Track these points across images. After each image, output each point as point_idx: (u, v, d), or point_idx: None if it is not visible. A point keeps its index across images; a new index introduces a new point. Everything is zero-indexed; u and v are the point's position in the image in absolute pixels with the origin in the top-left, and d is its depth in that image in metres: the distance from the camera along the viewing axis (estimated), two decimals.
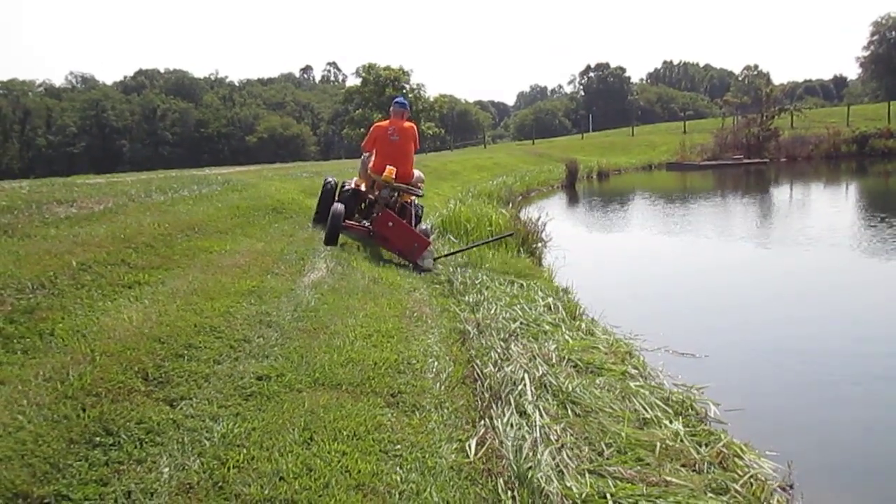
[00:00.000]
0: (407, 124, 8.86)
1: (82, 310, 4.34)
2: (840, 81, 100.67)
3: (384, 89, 42.12)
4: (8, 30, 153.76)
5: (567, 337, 5.75)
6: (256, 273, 5.89)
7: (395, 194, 8.55)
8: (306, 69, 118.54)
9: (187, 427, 3.18)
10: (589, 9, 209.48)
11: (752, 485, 3.52)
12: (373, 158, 8.65)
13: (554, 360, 5.03)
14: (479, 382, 4.42)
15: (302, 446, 3.14)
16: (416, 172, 8.93)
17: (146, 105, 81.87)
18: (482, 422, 3.82)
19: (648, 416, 4.21)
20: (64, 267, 4.91)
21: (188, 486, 2.75)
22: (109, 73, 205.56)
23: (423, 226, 8.90)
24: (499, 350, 5.01)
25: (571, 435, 3.82)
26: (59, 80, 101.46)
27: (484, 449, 3.48)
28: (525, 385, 4.34)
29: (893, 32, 67.53)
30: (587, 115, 78.34)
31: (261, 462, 2.97)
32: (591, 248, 13.47)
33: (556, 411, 4.12)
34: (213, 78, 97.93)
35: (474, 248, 9.13)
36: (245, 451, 3.03)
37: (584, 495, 3.19)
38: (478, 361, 4.75)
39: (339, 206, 8.05)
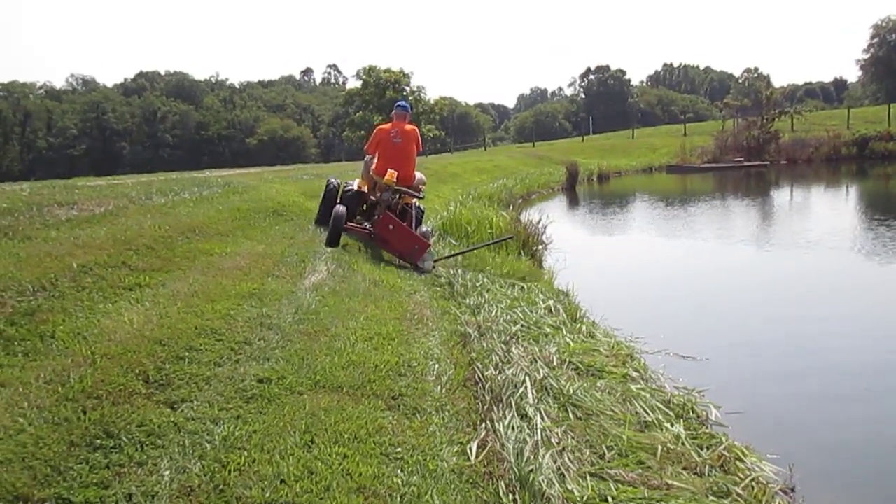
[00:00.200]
0: (409, 127, 8.92)
1: (83, 312, 4.34)
2: (840, 84, 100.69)
3: (385, 92, 42.15)
4: (8, 32, 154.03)
5: (568, 340, 5.75)
6: (257, 275, 5.88)
7: (397, 196, 8.60)
8: (307, 71, 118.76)
9: (188, 430, 3.18)
10: (589, 11, 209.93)
11: (753, 488, 3.52)
12: (375, 161, 8.71)
13: (555, 363, 5.03)
14: (480, 385, 4.42)
15: (303, 449, 3.14)
16: (418, 174, 8.98)
17: (146, 107, 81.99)
18: (483, 425, 3.81)
19: (649, 419, 4.20)
20: (65, 269, 4.91)
21: (189, 489, 2.75)
22: (110, 75, 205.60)
23: (423, 228, 8.92)
24: (500, 353, 5.00)
25: (572, 438, 3.81)
26: (59, 83, 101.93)
27: (485, 452, 3.48)
28: (526, 388, 4.33)
29: (894, 35, 67.54)
30: (587, 118, 78.30)
31: (262, 465, 2.96)
32: (592, 251, 13.46)
33: (557, 414, 4.12)
34: (213, 80, 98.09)
35: (475, 251, 9.16)
36: (246, 453, 3.03)
37: (585, 499, 3.19)
38: (479, 364, 4.75)
39: (340, 208, 8.11)
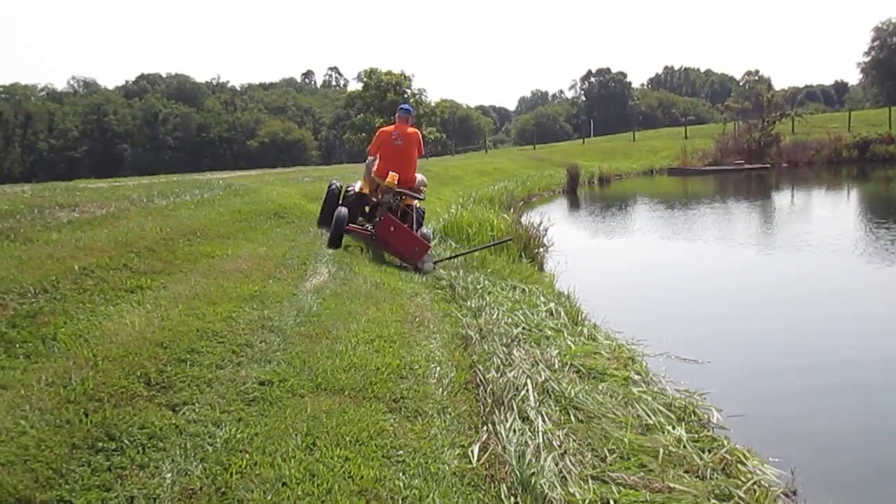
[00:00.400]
0: (411, 130, 9.02)
1: (84, 314, 4.34)
2: (841, 87, 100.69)
3: (385, 94, 42.16)
4: (10, 34, 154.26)
5: (569, 342, 5.75)
6: (258, 278, 5.89)
7: (398, 198, 8.69)
8: (308, 74, 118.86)
9: (190, 432, 3.18)
10: (590, 14, 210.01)
11: (755, 491, 3.51)
12: (377, 162, 8.81)
13: (556, 366, 5.03)
14: (482, 388, 4.42)
15: (304, 452, 3.14)
16: (419, 176, 9.09)
17: (148, 109, 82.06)
18: (485, 427, 3.81)
19: (651, 422, 4.20)
20: (66, 271, 4.91)
21: (191, 492, 2.75)
22: (111, 77, 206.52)
23: (424, 230, 8.99)
24: (501, 355, 5.00)
25: (574, 441, 3.81)
26: (60, 85, 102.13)
27: (487, 455, 3.47)
28: (527, 390, 4.33)
29: (894, 38, 67.57)
30: (588, 120, 78.45)
31: (263, 467, 2.96)
32: (593, 254, 13.46)
33: (558, 417, 4.12)
34: (214, 82, 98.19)
35: (475, 254, 9.19)
36: (248, 456, 3.03)
37: (587, 502, 3.18)
38: (480, 367, 4.75)
39: (342, 210, 8.24)
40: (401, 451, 3.31)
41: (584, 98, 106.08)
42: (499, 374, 4.59)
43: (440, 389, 4.20)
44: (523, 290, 7.73)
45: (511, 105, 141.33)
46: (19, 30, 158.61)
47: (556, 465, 3.46)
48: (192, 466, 2.91)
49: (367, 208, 9.16)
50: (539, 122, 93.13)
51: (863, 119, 39.11)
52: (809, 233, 13.52)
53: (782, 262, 11.03)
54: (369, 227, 8.64)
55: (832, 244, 11.74)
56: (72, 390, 3.30)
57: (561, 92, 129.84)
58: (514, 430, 3.78)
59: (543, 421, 3.96)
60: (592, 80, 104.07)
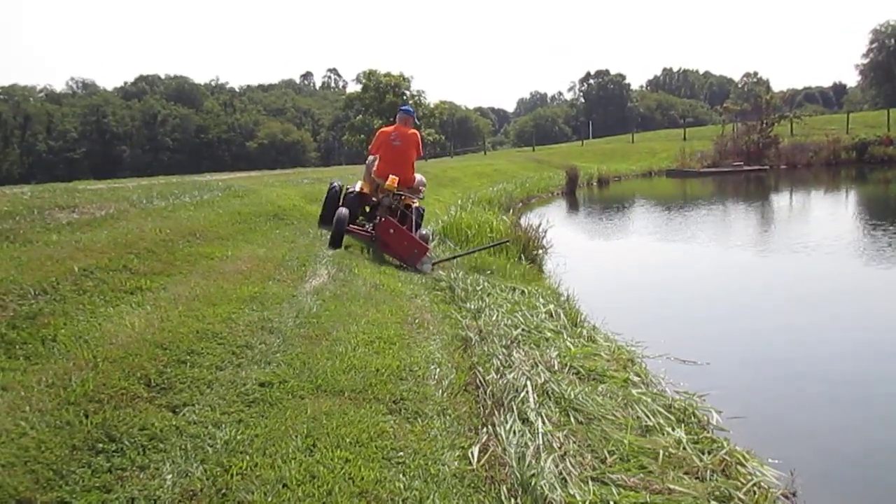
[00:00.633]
0: (410, 131, 9.15)
1: (84, 316, 4.34)
2: (839, 89, 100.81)
3: (384, 96, 42.12)
4: (9, 35, 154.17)
5: (569, 344, 5.75)
6: (258, 279, 5.89)
7: (398, 199, 8.84)
8: (307, 75, 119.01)
9: (190, 434, 3.18)
10: (589, 16, 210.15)
11: (755, 493, 3.51)
12: (377, 163, 8.93)
13: (556, 367, 5.04)
14: (482, 389, 4.42)
15: (305, 453, 3.14)
16: (418, 176, 9.26)
17: (147, 111, 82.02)
18: (485, 429, 3.81)
19: (651, 424, 4.20)
20: (66, 273, 4.91)
21: (191, 493, 2.75)
22: (110, 78, 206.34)
23: (423, 231, 9.09)
24: (501, 357, 5.00)
25: (574, 442, 3.81)
26: (59, 86, 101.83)
27: (487, 456, 3.48)
28: (527, 392, 4.33)
29: (892, 40, 67.66)
30: (587, 122, 78.49)
31: (264, 469, 2.96)
32: (592, 255, 13.47)
33: (558, 418, 4.12)
34: (213, 84, 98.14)
35: (474, 256, 9.23)
36: (248, 457, 3.03)
37: (587, 503, 3.19)
38: (480, 368, 4.75)
39: (343, 211, 8.40)
40: (401, 453, 3.31)
41: (582, 100, 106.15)
42: (498, 376, 4.59)
43: (440, 391, 4.20)
44: (523, 291, 7.74)
45: (510, 107, 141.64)
46: (18, 31, 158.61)
47: (557, 466, 3.46)
48: (192, 468, 2.91)
49: (367, 208, 9.30)
50: (538, 124, 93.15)
51: (861, 121, 39.19)
52: (808, 234, 13.54)
53: (781, 263, 11.05)
54: (369, 227, 8.77)
55: (831, 246, 11.76)
56: (72, 392, 3.30)
57: (560, 93, 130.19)
58: (514, 432, 3.78)
59: (543, 422, 3.96)
60: (591, 81, 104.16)
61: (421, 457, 3.32)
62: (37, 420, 3.03)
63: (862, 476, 4.32)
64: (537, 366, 4.94)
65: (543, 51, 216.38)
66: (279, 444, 3.18)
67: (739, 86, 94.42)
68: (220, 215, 8.36)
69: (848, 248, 11.71)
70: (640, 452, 3.79)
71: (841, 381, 5.75)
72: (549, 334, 6.00)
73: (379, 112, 41.39)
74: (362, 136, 41.13)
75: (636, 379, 5.10)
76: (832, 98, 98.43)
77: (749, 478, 3.68)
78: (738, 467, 3.80)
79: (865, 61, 69.89)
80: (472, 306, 6.57)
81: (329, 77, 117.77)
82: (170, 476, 2.83)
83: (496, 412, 4.05)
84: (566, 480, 3.35)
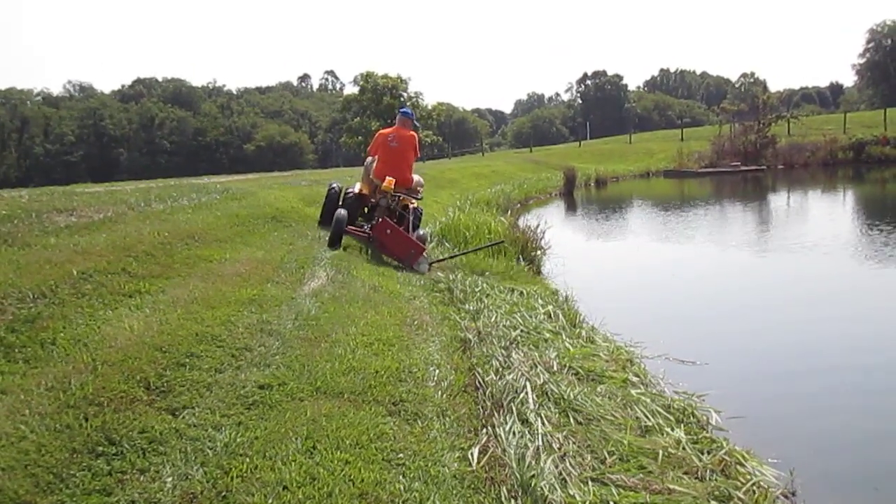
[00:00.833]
0: (408, 133, 9.28)
1: (83, 319, 4.34)
2: (836, 89, 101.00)
3: (382, 97, 42.11)
4: (5, 39, 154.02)
5: (568, 345, 5.76)
6: (257, 281, 5.89)
7: (395, 200, 8.97)
8: (304, 77, 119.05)
9: (190, 436, 3.18)
10: (586, 17, 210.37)
11: (754, 492, 3.52)
12: (375, 164, 9.09)
13: (555, 368, 5.04)
14: (481, 390, 4.42)
15: (305, 455, 3.14)
16: (416, 177, 9.40)
17: (144, 114, 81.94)
18: (484, 430, 3.82)
19: (650, 424, 4.21)
20: (64, 276, 4.91)
21: (192, 496, 2.75)
22: (107, 81, 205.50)
23: (420, 231, 9.17)
24: (500, 358, 5.00)
25: (574, 443, 3.82)
26: (57, 89, 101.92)
27: (486, 457, 3.48)
28: (527, 393, 4.34)
29: (889, 40, 67.85)
30: (584, 123, 78.63)
31: (264, 471, 2.96)
32: (590, 256, 13.48)
33: (558, 419, 4.12)
34: (210, 86, 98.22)
35: (472, 257, 9.28)
36: (248, 460, 3.03)
37: (587, 503, 3.19)
38: (479, 369, 4.75)
39: (342, 212, 8.57)
40: (401, 455, 3.32)
41: (580, 101, 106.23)
42: (498, 377, 4.60)
43: (439, 392, 4.20)
44: (521, 292, 7.74)
45: (507, 108, 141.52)
46: (15, 34, 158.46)
47: (556, 467, 3.46)
48: (192, 470, 2.91)
49: (366, 209, 9.46)
50: (535, 125, 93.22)
51: (858, 121, 39.25)
52: (805, 234, 13.57)
53: (779, 263, 11.07)
54: (367, 228, 8.91)
55: (828, 246, 11.78)
56: (71, 395, 3.30)
57: (557, 94, 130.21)
58: (514, 433, 3.79)
59: (543, 423, 3.97)
60: (588, 82, 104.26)
61: (421, 458, 3.32)
62: (36, 423, 3.03)
63: (861, 475, 4.33)
64: (536, 367, 4.94)
65: (540, 52, 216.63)
66: (279, 446, 3.18)
67: (736, 86, 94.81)
68: (218, 218, 8.36)
69: (845, 247, 11.73)
70: (640, 453, 3.79)
71: (840, 381, 5.76)
72: (547, 335, 6.00)
73: (376, 114, 41.40)
74: (360, 137, 41.13)
75: (635, 379, 5.10)
76: (829, 98, 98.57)
77: (748, 477, 3.68)
78: (738, 467, 3.80)
79: (862, 61, 70.12)
80: (471, 307, 6.57)
81: (326, 79, 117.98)
82: (170, 479, 2.83)
83: (495, 413, 4.06)
84: (566, 481, 3.36)
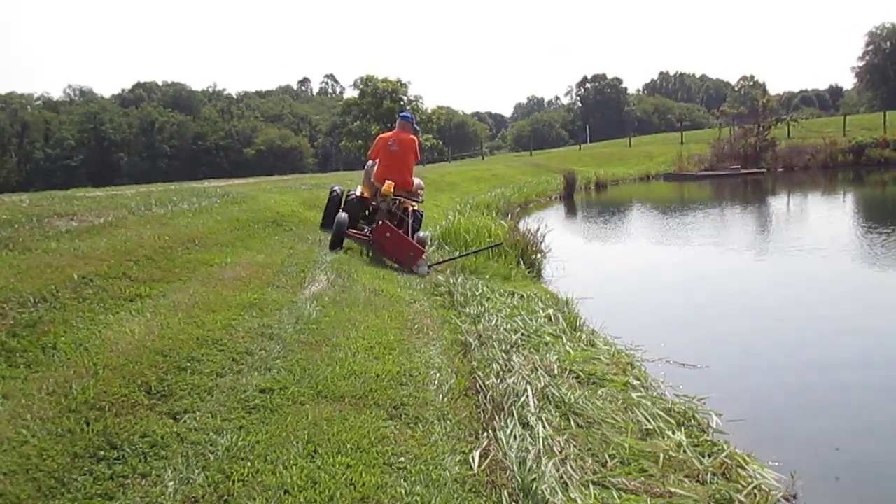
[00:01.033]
0: (408, 137, 9.36)
1: (84, 323, 4.35)
2: (836, 91, 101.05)
3: (382, 101, 42.19)
4: (5, 43, 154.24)
5: (568, 348, 5.76)
6: (257, 285, 5.89)
7: (396, 202, 9.05)
8: (304, 81, 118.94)
9: (191, 440, 3.18)
10: (585, 20, 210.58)
11: (755, 495, 3.52)
12: (376, 167, 9.17)
13: (556, 372, 5.04)
14: (482, 394, 4.42)
15: (306, 459, 3.14)
16: (416, 180, 9.48)
17: (144, 118, 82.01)
18: (485, 434, 3.82)
19: (651, 427, 4.21)
20: (65, 280, 4.92)
21: (193, 500, 2.76)
22: (107, 86, 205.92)
23: (420, 234, 9.20)
24: (500, 361, 5.01)
25: (574, 446, 3.82)
26: (57, 94, 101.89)
27: (487, 461, 3.48)
28: (527, 396, 4.34)
29: (888, 42, 67.98)
30: (584, 126, 78.70)
31: (265, 475, 2.97)
32: (591, 259, 13.48)
33: (558, 423, 4.13)
34: (210, 91, 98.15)
35: (472, 261, 9.28)
36: (249, 464, 3.04)
37: None
38: (480, 373, 4.75)
39: (343, 215, 8.63)
40: (402, 458, 3.32)
41: (579, 104, 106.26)
42: (498, 381, 4.60)
43: (440, 396, 4.20)
44: (522, 296, 7.75)
45: (507, 111, 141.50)
46: (15, 39, 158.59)
47: (557, 470, 3.47)
48: (194, 474, 2.91)
49: (367, 212, 9.54)
50: (535, 129, 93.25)
51: (858, 123, 39.31)
52: (805, 237, 13.57)
53: (779, 267, 11.07)
54: (368, 231, 8.97)
55: (828, 249, 11.78)
56: (73, 399, 3.31)
57: (557, 98, 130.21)
58: (515, 436, 3.79)
59: (544, 427, 3.97)
60: (588, 85, 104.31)
61: (422, 462, 3.32)
62: (38, 428, 3.03)
63: (862, 478, 4.32)
64: (537, 370, 4.95)
65: (540, 55, 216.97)
66: (280, 450, 3.19)
67: (736, 89, 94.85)
68: (218, 222, 8.38)
69: (846, 251, 11.73)
70: (641, 456, 3.80)
71: (841, 384, 5.75)
72: (548, 338, 6.00)
73: (376, 117, 41.47)
74: (360, 141, 41.22)
75: (636, 382, 5.10)
76: (828, 101, 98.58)
77: (749, 480, 3.69)
78: (739, 470, 3.81)
79: (861, 64, 70.28)
80: (472, 311, 6.57)
81: (326, 83, 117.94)
82: (171, 483, 2.84)
83: (496, 417, 4.06)
84: (567, 484, 3.36)
